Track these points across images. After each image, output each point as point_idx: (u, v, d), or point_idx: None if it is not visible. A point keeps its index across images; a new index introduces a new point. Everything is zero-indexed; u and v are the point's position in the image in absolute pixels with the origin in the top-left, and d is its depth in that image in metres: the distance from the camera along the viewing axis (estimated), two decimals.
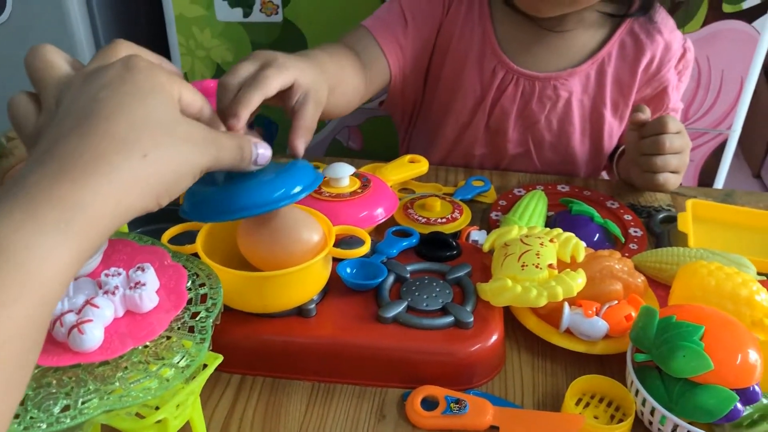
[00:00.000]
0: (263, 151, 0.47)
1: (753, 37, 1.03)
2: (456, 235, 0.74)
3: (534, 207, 0.76)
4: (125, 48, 0.44)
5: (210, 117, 0.46)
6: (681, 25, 1.02)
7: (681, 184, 1.07)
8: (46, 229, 0.33)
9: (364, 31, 0.85)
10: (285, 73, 0.53)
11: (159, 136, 0.38)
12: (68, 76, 0.41)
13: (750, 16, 1.02)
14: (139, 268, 0.50)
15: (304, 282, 0.56)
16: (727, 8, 1.02)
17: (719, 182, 1.19)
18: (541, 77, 0.86)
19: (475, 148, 0.93)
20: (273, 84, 0.52)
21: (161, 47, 1.18)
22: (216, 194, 0.50)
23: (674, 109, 0.91)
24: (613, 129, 0.91)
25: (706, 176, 1.18)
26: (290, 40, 1.12)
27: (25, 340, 0.32)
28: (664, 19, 0.87)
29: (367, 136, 1.23)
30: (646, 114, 0.78)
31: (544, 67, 0.86)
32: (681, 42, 0.88)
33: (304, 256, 0.55)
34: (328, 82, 0.60)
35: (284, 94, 0.55)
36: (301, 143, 0.54)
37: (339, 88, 0.72)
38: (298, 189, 0.50)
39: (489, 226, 0.77)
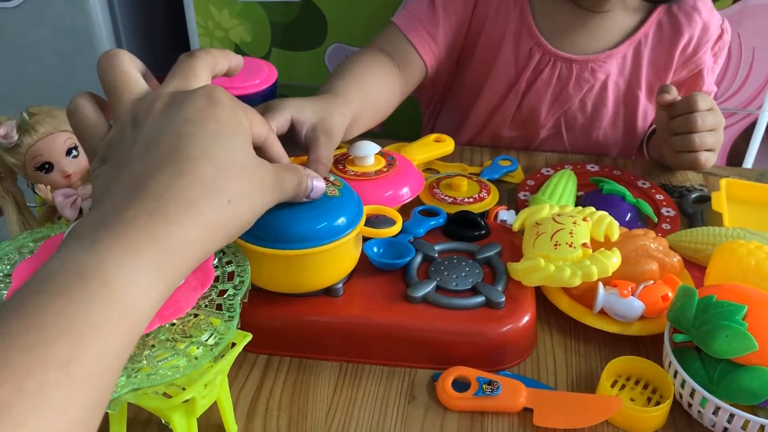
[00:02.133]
0: (318, 184, 0.48)
1: None
2: (484, 214, 0.72)
3: (564, 186, 0.74)
4: (203, 64, 0.44)
5: (272, 142, 0.46)
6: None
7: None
8: (145, 268, 0.34)
9: (395, 29, 0.84)
10: (279, 113, 0.54)
11: (240, 181, 0.40)
12: (145, 93, 0.41)
13: None
14: None
15: (335, 261, 0.55)
16: None
17: (748, 163, 1.16)
18: (579, 60, 0.85)
19: (503, 130, 0.92)
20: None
21: (179, 28, 1.17)
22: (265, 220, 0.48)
23: (708, 92, 0.89)
24: (648, 111, 0.89)
25: (734, 157, 1.16)
26: (310, 19, 1.10)
27: (113, 373, 0.33)
28: (703, 9, 0.84)
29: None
30: (672, 94, 0.75)
31: (582, 49, 0.85)
32: (719, 23, 0.85)
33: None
34: (348, 109, 0.62)
35: (292, 135, 0.56)
36: (315, 180, 0.53)
37: (366, 111, 0.72)
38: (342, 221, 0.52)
39: (517, 206, 0.75)
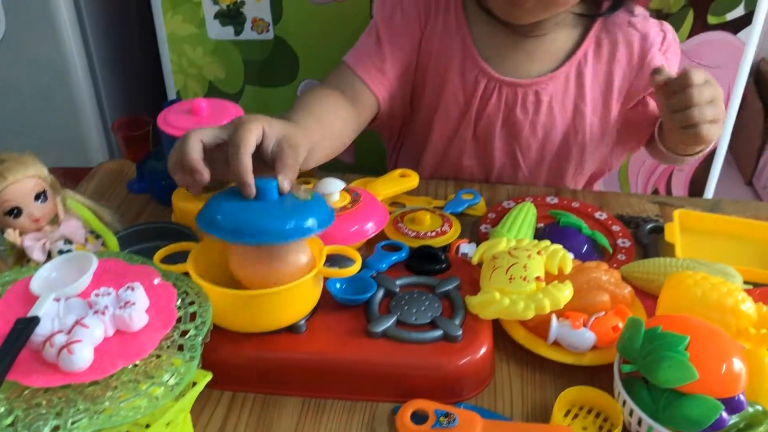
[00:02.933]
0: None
1: (738, 48, 1.05)
2: (446, 248, 0.74)
3: (522, 219, 0.77)
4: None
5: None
6: None
7: (671, 194, 1.08)
8: None
9: (345, 67, 0.87)
10: (252, 125, 0.57)
11: None
12: None
13: (734, 27, 1.03)
14: (128, 287, 0.51)
15: (292, 301, 0.57)
16: (712, 20, 1.03)
17: (710, 190, 1.19)
18: (523, 84, 0.87)
19: (463, 159, 0.94)
20: (250, 138, 0.56)
21: (154, 65, 1.19)
22: (236, 213, 0.54)
23: None
24: (594, 126, 0.90)
25: (697, 185, 1.19)
26: (281, 57, 1.13)
27: None
28: (636, 10, 0.87)
29: (359, 149, 1.24)
30: (664, 74, 0.73)
31: (525, 73, 0.87)
32: (658, 27, 0.87)
33: (292, 276, 0.56)
34: (306, 137, 0.64)
35: (261, 150, 0.58)
36: (285, 181, 0.56)
37: (323, 141, 0.73)
38: (311, 223, 0.55)
39: (479, 238, 0.77)
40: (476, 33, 0.87)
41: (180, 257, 0.59)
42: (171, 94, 1.20)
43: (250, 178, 0.55)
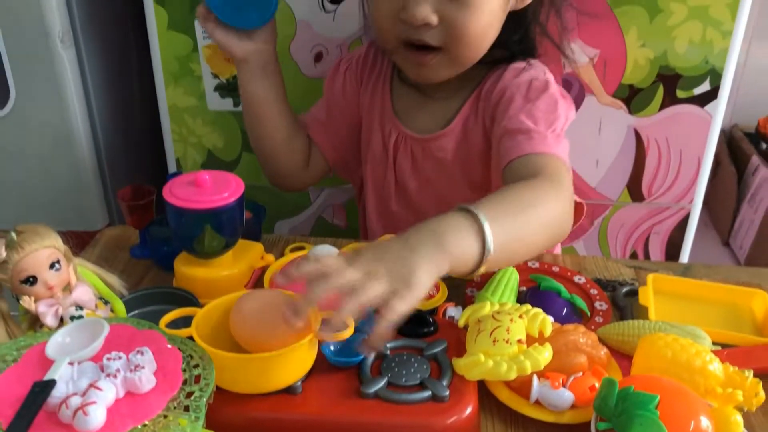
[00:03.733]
0: None
1: (706, 120, 1.12)
2: (433, 311, 0.79)
3: (506, 283, 0.81)
4: None
5: None
6: (638, 110, 1.11)
7: (647, 258, 1.14)
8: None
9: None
10: None
11: None
12: None
13: (702, 101, 1.10)
14: (138, 351, 0.55)
15: (289, 364, 0.61)
16: (680, 94, 1.10)
17: (686, 253, 1.25)
18: (422, 139, 0.96)
19: (391, 204, 1.02)
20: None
21: (155, 134, 1.25)
22: None
23: (526, 131, 0.84)
24: (493, 173, 0.95)
25: (673, 248, 1.25)
26: None
27: None
28: (512, 67, 0.91)
29: (350, 213, 1.29)
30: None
31: (427, 129, 0.96)
32: (529, 76, 0.89)
33: (288, 339, 0.60)
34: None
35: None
36: None
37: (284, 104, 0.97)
38: None
39: (465, 302, 0.82)
40: (395, 94, 0.99)
41: (182, 322, 0.64)
42: (171, 162, 1.26)
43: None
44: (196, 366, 0.58)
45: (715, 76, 1.08)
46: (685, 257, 1.25)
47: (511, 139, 0.84)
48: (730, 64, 1.08)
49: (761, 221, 1.66)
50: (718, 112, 1.11)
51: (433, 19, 0.80)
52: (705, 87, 1.09)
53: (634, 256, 1.24)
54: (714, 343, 0.73)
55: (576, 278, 0.86)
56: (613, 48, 1.07)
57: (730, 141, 1.86)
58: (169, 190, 0.78)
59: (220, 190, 0.77)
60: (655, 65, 1.08)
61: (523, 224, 0.71)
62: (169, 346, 0.58)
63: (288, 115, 0.97)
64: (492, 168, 0.94)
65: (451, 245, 0.63)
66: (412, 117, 0.97)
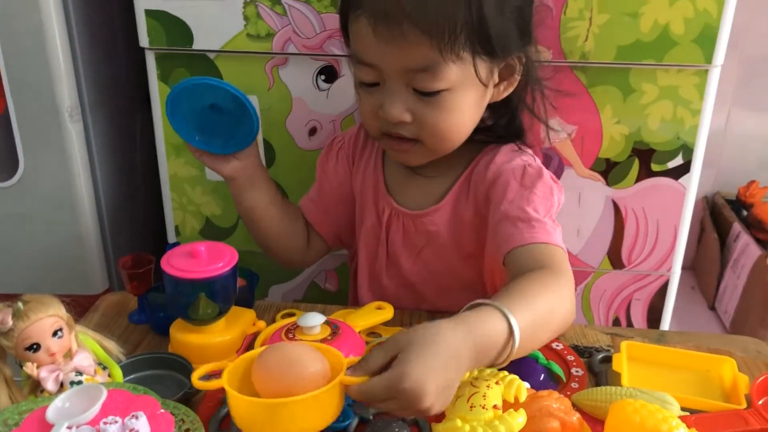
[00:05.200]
0: None
1: (680, 192, 1.17)
2: None
3: None
4: None
5: None
6: (615, 183, 1.17)
7: (630, 323, 1.18)
8: None
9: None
10: None
11: None
12: None
13: (676, 174, 1.16)
14: (133, 416, 0.59)
15: (316, 409, 0.63)
16: (655, 167, 1.16)
17: (666, 319, 1.29)
18: (415, 214, 1.01)
19: (383, 278, 1.06)
20: None
21: (156, 203, 1.31)
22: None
23: (526, 219, 0.88)
24: (482, 247, 0.99)
25: (655, 313, 1.28)
26: None
27: None
28: (504, 149, 0.97)
29: (342, 277, 1.34)
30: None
31: (417, 205, 1.01)
32: (522, 161, 0.95)
33: (307, 387, 0.63)
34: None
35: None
36: None
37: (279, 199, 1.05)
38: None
39: None
40: (387, 172, 1.04)
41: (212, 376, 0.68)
42: (170, 228, 1.31)
43: None
44: (187, 430, 0.62)
45: (687, 151, 1.15)
46: (666, 322, 1.29)
47: (512, 226, 0.88)
48: (701, 140, 1.14)
49: (744, 286, 1.70)
50: (692, 184, 1.17)
51: (407, 117, 0.87)
52: (678, 161, 1.15)
53: (616, 321, 1.28)
54: (683, 409, 0.76)
55: (554, 345, 0.90)
56: (589, 124, 1.14)
57: (712, 208, 1.92)
58: (167, 260, 0.82)
59: (215, 260, 0.82)
60: (630, 141, 1.15)
61: (539, 322, 0.76)
62: (162, 410, 0.62)
63: (282, 212, 1.05)
64: (487, 243, 0.97)
65: (488, 352, 0.71)
66: (403, 193, 1.03)
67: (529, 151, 1.00)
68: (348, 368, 0.66)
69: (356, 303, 1.13)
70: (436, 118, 0.87)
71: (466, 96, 0.87)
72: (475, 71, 0.85)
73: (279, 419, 0.63)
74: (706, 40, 1.06)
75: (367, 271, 1.09)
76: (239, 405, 0.64)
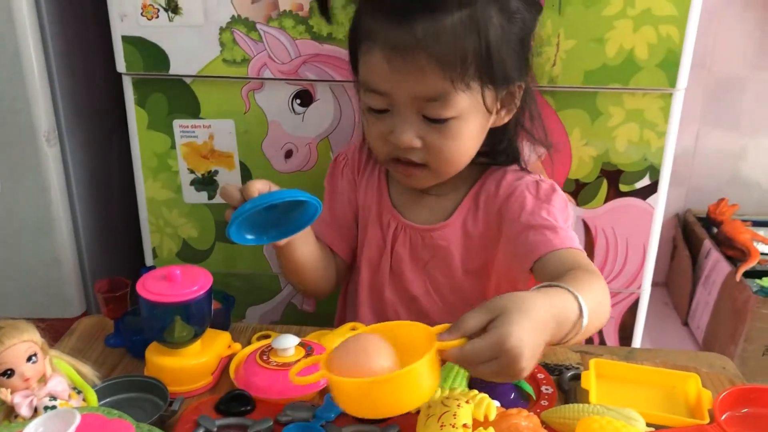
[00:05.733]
0: None
1: (648, 212, 1.20)
2: None
3: (458, 370, 0.87)
4: None
5: None
6: (585, 203, 1.20)
7: (602, 341, 1.21)
8: None
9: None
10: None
11: None
12: None
13: (643, 194, 1.19)
14: None
15: (412, 383, 0.67)
16: (623, 188, 1.19)
17: (638, 336, 1.31)
18: (422, 228, 1.04)
19: (385, 292, 1.08)
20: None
21: (133, 225, 1.31)
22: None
23: (550, 228, 0.94)
24: (488, 262, 1.03)
25: (627, 331, 1.31)
26: None
27: None
28: (510, 170, 1.03)
29: (319, 299, 1.35)
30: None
31: (425, 221, 1.04)
32: (531, 178, 1.01)
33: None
34: None
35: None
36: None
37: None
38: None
39: None
40: (392, 188, 1.07)
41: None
42: (147, 251, 1.31)
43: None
44: None
45: (654, 172, 1.18)
46: (638, 339, 1.31)
47: (538, 234, 0.93)
48: (667, 161, 1.17)
49: (715, 302, 1.73)
50: (659, 203, 1.20)
51: (417, 143, 0.92)
52: (645, 181, 1.19)
53: (589, 339, 1.30)
54: (649, 425, 0.78)
55: None
56: (558, 146, 1.17)
57: (684, 225, 1.96)
58: (143, 284, 0.83)
59: (190, 283, 0.83)
60: (598, 162, 1.18)
61: (595, 310, 0.79)
62: None
63: (320, 249, 1.05)
64: (503, 255, 1.01)
65: (562, 327, 0.74)
66: (410, 209, 1.06)
67: (533, 172, 1.05)
68: (439, 335, 0.69)
69: (344, 322, 1.14)
70: (444, 144, 0.92)
71: (472, 123, 0.92)
72: (483, 100, 0.90)
73: (381, 396, 0.67)
74: (670, 65, 1.10)
75: (368, 285, 1.10)
76: (344, 388, 0.67)
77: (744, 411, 0.83)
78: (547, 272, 0.89)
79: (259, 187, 0.85)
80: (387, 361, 0.68)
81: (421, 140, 0.92)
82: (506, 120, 0.98)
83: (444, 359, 0.69)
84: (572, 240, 0.94)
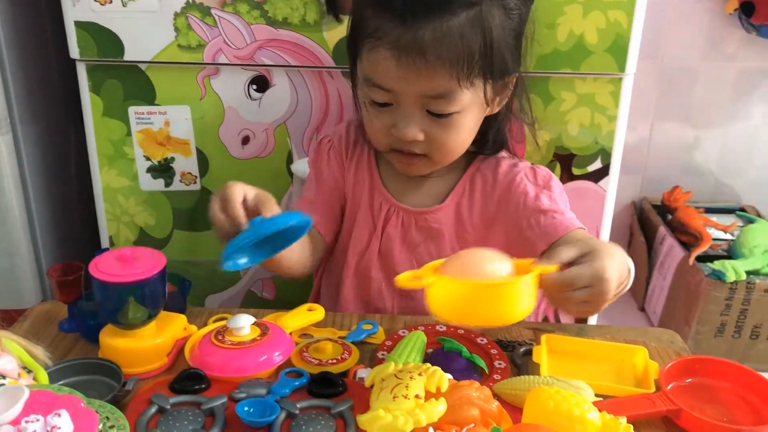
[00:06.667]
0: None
1: (600, 195, 1.23)
2: (345, 374, 0.85)
3: (412, 346, 0.88)
4: None
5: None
6: None
7: (553, 320, 1.23)
8: None
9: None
10: (237, 186, 0.83)
11: None
12: None
13: (595, 177, 1.22)
14: (56, 413, 0.59)
15: (514, 295, 0.71)
16: (576, 171, 1.22)
17: (593, 321, 1.34)
18: (416, 211, 1.05)
19: (372, 271, 1.08)
20: (238, 194, 0.82)
21: (90, 214, 1.30)
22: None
23: (558, 211, 0.99)
24: (478, 245, 1.02)
25: None
26: (208, 205, 1.25)
27: None
28: (501, 157, 1.06)
29: (279, 286, 1.35)
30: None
31: (418, 203, 1.06)
32: (525, 165, 1.04)
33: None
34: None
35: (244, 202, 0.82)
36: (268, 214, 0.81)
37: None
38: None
39: (376, 364, 0.88)
40: (383, 171, 1.08)
41: None
42: (104, 239, 1.30)
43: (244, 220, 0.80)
44: (112, 427, 0.62)
45: (606, 155, 1.21)
46: (593, 322, 1.34)
47: (548, 218, 0.98)
48: (617, 144, 1.20)
49: (669, 287, 1.77)
50: (610, 187, 1.23)
51: (420, 136, 0.94)
52: (597, 165, 1.21)
53: (545, 320, 1.33)
54: (597, 395, 0.80)
55: (479, 340, 0.93)
56: (514, 130, 1.19)
57: (640, 213, 2.00)
58: (96, 265, 0.83)
59: (143, 264, 0.83)
60: (552, 146, 1.20)
61: (627, 275, 0.84)
62: (86, 408, 0.62)
63: (306, 251, 1.02)
64: (512, 239, 1.03)
65: (621, 278, 0.80)
66: (402, 192, 1.07)
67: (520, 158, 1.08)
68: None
69: (318, 302, 1.13)
70: (446, 137, 0.95)
71: (472, 115, 0.95)
72: (483, 94, 0.93)
73: (488, 301, 0.70)
74: (619, 50, 1.13)
75: (355, 263, 1.10)
76: (449, 291, 0.71)
77: (688, 381, 0.86)
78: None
79: (239, 199, 0.82)
80: (503, 267, 0.72)
81: (424, 133, 0.94)
82: (499, 108, 1.01)
83: (541, 285, 0.74)
84: (578, 221, 0.99)
